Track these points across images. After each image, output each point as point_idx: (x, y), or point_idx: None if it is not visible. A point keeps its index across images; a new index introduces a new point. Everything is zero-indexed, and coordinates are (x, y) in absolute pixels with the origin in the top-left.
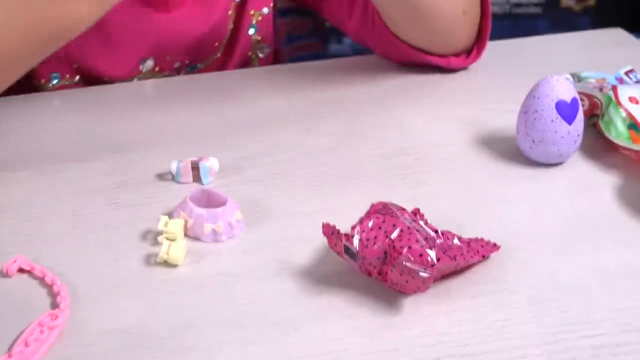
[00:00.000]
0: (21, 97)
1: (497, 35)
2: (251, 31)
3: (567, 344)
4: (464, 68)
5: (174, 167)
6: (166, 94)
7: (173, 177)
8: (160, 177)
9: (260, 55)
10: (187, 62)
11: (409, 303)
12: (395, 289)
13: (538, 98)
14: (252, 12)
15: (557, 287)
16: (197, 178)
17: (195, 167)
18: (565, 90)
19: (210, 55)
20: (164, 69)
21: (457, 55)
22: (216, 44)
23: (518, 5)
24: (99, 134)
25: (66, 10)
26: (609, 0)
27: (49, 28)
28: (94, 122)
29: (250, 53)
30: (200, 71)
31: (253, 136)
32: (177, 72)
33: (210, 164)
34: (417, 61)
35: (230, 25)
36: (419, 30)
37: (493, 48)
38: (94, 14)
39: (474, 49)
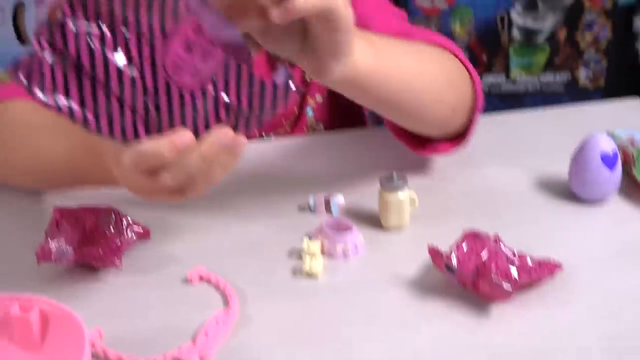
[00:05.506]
0: None
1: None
2: (309, 112)
3: (620, 343)
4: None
5: (311, 202)
6: (303, 153)
7: (311, 209)
8: (302, 209)
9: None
10: (261, 132)
11: (495, 309)
12: (485, 298)
13: (586, 151)
14: (308, 98)
15: (610, 298)
16: (328, 210)
17: (327, 202)
18: (608, 145)
19: (278, 127)
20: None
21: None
22: (282, 119)
23: (547, 84)
24: (257, 180)
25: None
26: (615, 81)
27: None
28: (255, 172)
29: (306, 129)
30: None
31: (368, 181)
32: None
33: (338, 199)
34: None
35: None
36: (412, 127)
37: (543, 114)
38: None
39: (459, 139)
